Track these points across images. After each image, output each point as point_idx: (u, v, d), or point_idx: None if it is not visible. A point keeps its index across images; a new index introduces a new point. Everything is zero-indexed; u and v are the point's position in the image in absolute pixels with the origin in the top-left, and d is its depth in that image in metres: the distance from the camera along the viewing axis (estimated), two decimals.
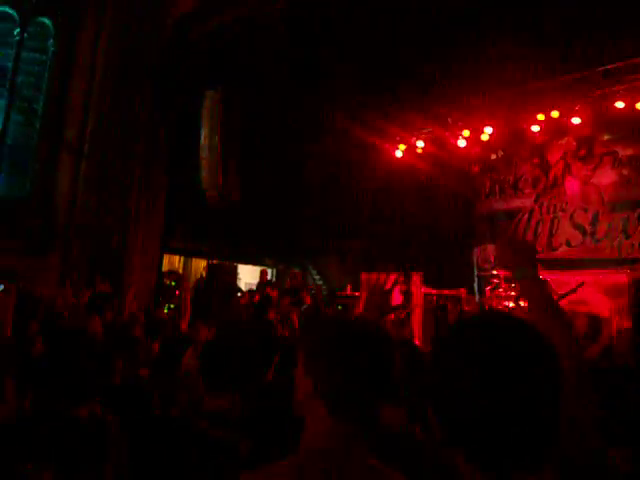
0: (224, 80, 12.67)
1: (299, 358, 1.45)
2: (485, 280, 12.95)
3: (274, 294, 12.78)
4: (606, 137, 11.96)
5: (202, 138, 12.62)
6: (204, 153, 12.52)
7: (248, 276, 14.19)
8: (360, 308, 2.48)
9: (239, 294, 12.75)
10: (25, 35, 14.32)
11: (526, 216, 13.07)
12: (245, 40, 12.17)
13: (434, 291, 12.35)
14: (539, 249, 12.67)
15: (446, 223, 13.07)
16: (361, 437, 1.36)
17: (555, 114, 11.80)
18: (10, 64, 14.06)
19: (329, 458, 1.30)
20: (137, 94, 12.49)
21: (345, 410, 1.36)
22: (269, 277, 13.44)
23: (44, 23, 14.55)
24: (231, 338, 2.64)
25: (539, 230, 12.81)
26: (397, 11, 11.26)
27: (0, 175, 13.87)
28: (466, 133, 12.98)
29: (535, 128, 12.24)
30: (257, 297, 12.46)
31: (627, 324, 9.58)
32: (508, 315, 1.15)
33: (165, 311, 11.68)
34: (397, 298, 11.37)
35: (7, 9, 14.22)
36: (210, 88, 12.69)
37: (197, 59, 12.37)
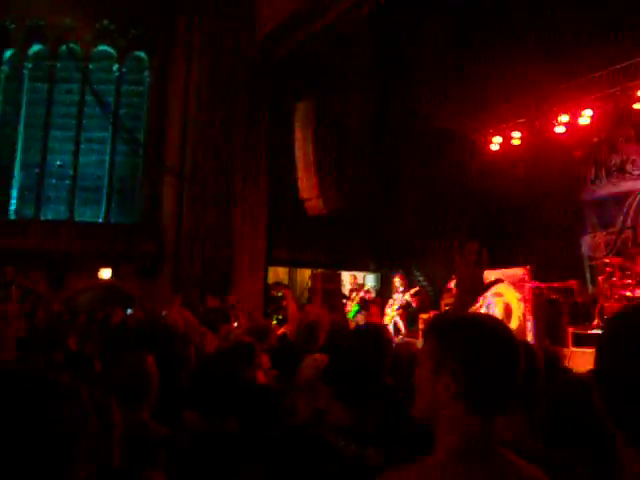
0: (314, 90, 12.88)
1: (423, 362, 1.45)
2: (597, 269, 12.39)
3: (369, 297, 12.81)
4: None
5: (297, 149, 12.86)
6: (300, 164, 12.74)
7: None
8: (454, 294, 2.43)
9: (344, 300, 12.84)
10: (123, 69, 15.17)
11: (636, 199, 12.40)
12: (331, 49, 12.35)
13: (543, 285, 11.94)
14: None
15: (552, 213, 12.60)
16: (497, 435, 1.36)
17: None
18: (112, 98, 14.92)
19: (472, 456, 1.31)
20: (230, 113, 12.90)
21: (488, 409, 1.37)
22: (360, 281, 13.48)
23: (140, 57, 15.37)
24: (353, 345, 2.63)
25: None
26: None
27: (111, 204, 14.71)
28: (564, 118, 12.52)
29: (638, 106, 11.63)
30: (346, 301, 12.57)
31: None
32: None
33: (274, 322, 11.89)
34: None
35: (106, 47, 15.10)
36: (301, 99, 12.92)
37: (286, 73, 12.64)
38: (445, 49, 12.30)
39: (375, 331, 2.71)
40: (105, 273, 13.97)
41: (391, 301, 12.16)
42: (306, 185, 12.69)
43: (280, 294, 12.44)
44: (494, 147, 13.54)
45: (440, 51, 12.31)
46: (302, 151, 12.76)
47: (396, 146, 13.67)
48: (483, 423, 1.34)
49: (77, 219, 14.67)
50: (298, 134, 12.89)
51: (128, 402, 2.59)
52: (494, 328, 1.44)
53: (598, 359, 1.05)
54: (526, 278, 11.73)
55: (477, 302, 10.71)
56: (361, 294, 12.70)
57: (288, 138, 13.24)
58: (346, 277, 13.91)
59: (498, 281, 10.72)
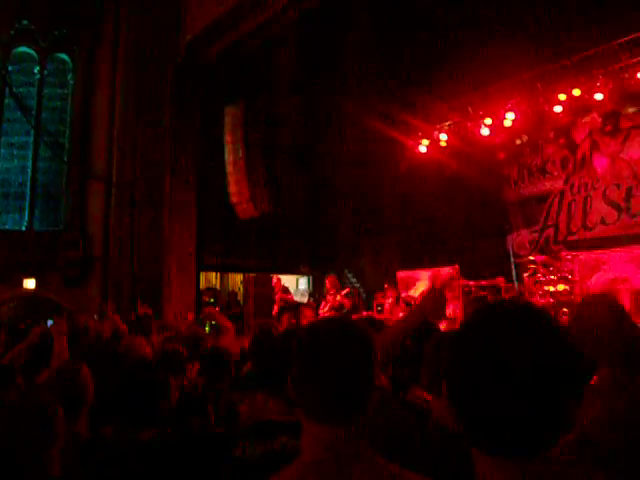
0: (242, 94, 12.84)
1: None
2: (522, 267, 12.81)
3: (290, 297, 12.77)
4: (631, 110, 11.76)
5: (226, 153, 12.78)
6: (230, 167, 12.67)
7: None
8: (422, 309, 2.43)
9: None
10: (45, 72, 14.68)
11: (557, 198, 12.90)
12: (260, 52, 12.35)
13: (472, 282, 12.26)
14: (574, 230, 12.53)
15: (477, 213, 12.98)
16: (360, 438, 1.34)
17: (577, 92, 11.68)
18: (34, 102, 14.42)
19: (326, 467, 1.28)
20: (159, 118, 12.71)
21: (321, 418, 1.34)
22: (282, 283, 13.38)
23: (62, 59, 14.91)
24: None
25: (572, 211, 12.63)
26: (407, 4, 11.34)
27: (34, 210, 14.20)
28: (488, 121, 12.91)
29: (558, 109, 12.12)
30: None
31: None
32: (525, 305, 1.10)
33: (207, 329, 11.73)
34: None
35: (26, 49, 14.59)
36: (230, 103, 12.84)
37: (215, 76, 12.54)
38: (372, 50, 12.46)
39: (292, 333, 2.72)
40: (29, 283, 13.47)
41: (323, 303, 12.20)
42: (236, 189, 12.63)
43: (212, 300, 12.32)
44: (422, 149, 13.83)
45: (366, 53, 12.47)
46: (232, 154, 12.69)
47: (327, 148, 13.77)
48: (330, 432, 1.30)
49: None
50: (228, 137, 12.82)
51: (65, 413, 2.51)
52: (327, 332, 1.42)
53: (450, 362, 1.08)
54: (455, 277, 12.00)
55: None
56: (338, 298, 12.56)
57: (218, 142, 13.15)
58: (291, 281, 13.87)
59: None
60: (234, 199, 12.67)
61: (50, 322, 8.69)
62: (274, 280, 12.66)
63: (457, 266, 11.98)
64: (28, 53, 14.72)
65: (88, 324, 8.40)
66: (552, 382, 0.96)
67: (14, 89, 13.98)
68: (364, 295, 13.53)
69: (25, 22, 14.43)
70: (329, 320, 1.60)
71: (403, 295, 11.10)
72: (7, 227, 14.18)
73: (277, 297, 12.39)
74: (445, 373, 1.07)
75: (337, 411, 1.32)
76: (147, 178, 12.58)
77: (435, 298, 2.34)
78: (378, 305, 12.29)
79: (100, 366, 3.83)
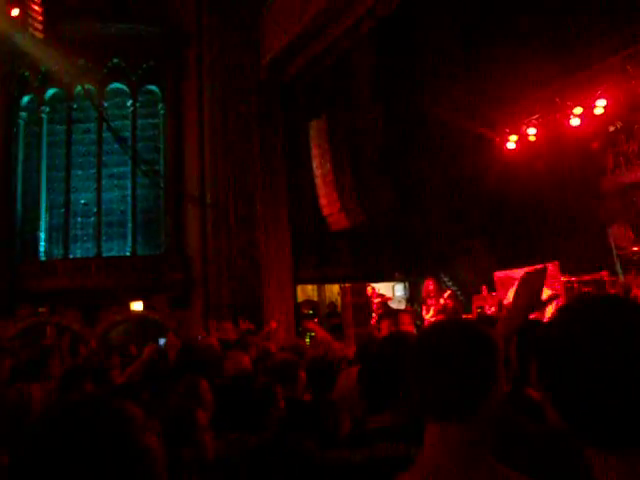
0: (326, 107, 13.03)
1: None
2: (626, 259, 12.30)
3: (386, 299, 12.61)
4: None
5: (314, 166, 13.00)
6: (319, 180, 12.88)
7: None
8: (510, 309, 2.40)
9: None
10: (137, 104, 15.48)
11: None
12: (337, 65, 12.49)
13: (574, 278, 11.87)
14: None
15: (575, 206, 12.56)
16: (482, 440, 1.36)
17: None
18: (129, 133, 15.22)
19: (447, 471, 1.31)
20: (246, 137, 13.10)
21: (432, 414, 1.40)
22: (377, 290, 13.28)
23: (152, 90, 15.68)
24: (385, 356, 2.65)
25: None
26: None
27: (137, 236, 14.96)
28: (578, 110, 12.50)
29: None
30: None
31: None
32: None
33: (307, 340, 11.94)
34: None
35: (118, 85, 15.44)
36: (314, 117, 13.07)
37: (296, 93, 12.81)
38: (450, 51, 12.37)
39: (398, 337, 2.75)
40: (136, 305, 14.19)
41: (425, 308, 12.07)
42: (327, 201, 12.82)
43: (311, 312, 12.52)
44: (511, 145, 13.56)
45: (446, 54, 12.38)
46: (320, 168, 12.90)
47: (412, 153, 13.72)
48: (452, 432, 1.34)
49: (105, 254, 14.93)
50: (315, 151, 13.04)
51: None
52: (448, 331, 1.46)
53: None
54: (556, 274, 11.66)
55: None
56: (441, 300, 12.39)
57: (304, 156, 13.39)
58: (387, 288, 13.85)
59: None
60: (325, 211, 12.86)
61: (162, 341, 9.13)
62: (369, 290, 12.70)
63: (557, 262, 11.64)
64: (120, 88, 15.57)
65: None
66: None
67: (111, 123, 14.79)
68: (462, 298, 13.35)
69: (116, 60, 15.27)
70: (448, 321, 1.64)
71: (505, 303, 10.85)
72: (113, 253, 15.02)
73: (374, 305, 12.42)
74: (549, 368, 1.06)
75: (459, 408, 1.36)
76: (239, 197, 12.98)
77: (528, 293, 2.29)
78: (478, 307, 12.11)
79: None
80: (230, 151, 13.29)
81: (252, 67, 13.35)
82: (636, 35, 11.14)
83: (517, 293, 2.26)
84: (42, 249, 15.00)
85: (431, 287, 11.98)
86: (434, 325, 1.70)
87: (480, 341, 1.43)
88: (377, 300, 12.22)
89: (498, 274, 12.49)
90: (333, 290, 14.21)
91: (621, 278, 12.44)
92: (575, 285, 11.95)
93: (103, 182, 15.24)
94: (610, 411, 0.95)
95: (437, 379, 1.39)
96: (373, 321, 12.22)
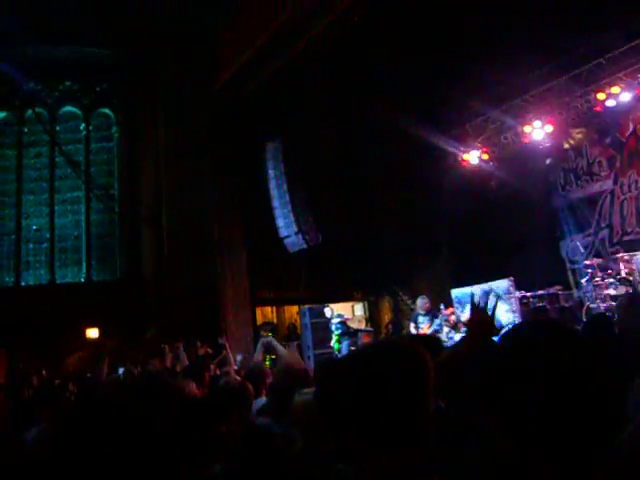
0: (280, 128, 13.05)
1: None
2: (579, 272, 12.57)
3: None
4: None
5: (270, 188, 12.98)
6: (275, 202, 12.85)
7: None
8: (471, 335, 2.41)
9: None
10: (90, 128, 15.26)
11: (608, 199, 12.67)
12: (293, 86, 12.53)
13: (529, 293, 12.07)
14: (629, 229, 12.24)
15: (528, 223, 12.82)
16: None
17: (616, 90, 11.52)
18: (82, 157, 14.98)
19: None
20: (202, 160, 13.03)
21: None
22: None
23: (106, 113, 15.48)
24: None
25: (625, 210, 12.37)
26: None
27: (91, 262, 14.67)
28: (528, 129, 12.83)
29: (599, 108, 11.96)
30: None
31: None
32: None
33: (267, 363, 11.85)
34: None
35: (71, 108, 15.22)
36: (270, 139, 13.07)
37: (252, 114, 12.80)
38: (407, 65, 12.46)
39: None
40: (92, 332, 13.86)
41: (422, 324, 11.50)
42: (284, 223, 12.79)
43: (270, 334, 12.42)
44: (466, 163, 13.78)
45: (403, 67, 12.47)
46: (276, 189, 12.89)
47: (369, 171, 13.82)
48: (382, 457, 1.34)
49: (59, 281, 14.59)
50: (270, 173, 13.03)
51: None
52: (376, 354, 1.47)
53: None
54: (511, 289, 11.84)
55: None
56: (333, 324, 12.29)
57: (261, 178, 13.35)
58: (347, 309, 13.83)
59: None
60: (282, 233, 12.83)
61: (121, 370, 8.93)
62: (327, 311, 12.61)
63: (512, 277, 11.83)
64: (73, 112, 15.34)
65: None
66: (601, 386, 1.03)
67: (63, 147, 14.54)
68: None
69: (68, 83, 15.07)
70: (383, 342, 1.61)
71: (463, 319, 10.90)
72: (67, 280, 14.68)
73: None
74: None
75: (392, 432, 1.35)
76: (196, 220, 12.86)
77: (480, 321, 2.32)
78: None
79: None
80: (186, 174, 13.19)
81: (207, 89, 13.33)
82: (580, 57, 11.53)
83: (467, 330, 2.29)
84: None
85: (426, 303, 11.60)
86: (360, 349, 1.68)
87: (407, 362, 1.41)
88: (336, 320, 12.19)
89: (455, 291, 12.62)
90: (292, 311, 14.17)
91: (574, 292, 12.69)
92: (530, 300, 12.14)
93: (56, 207, 14.92)
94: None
95: (366, 405, 1.36)
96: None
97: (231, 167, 13.24)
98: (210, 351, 10.93)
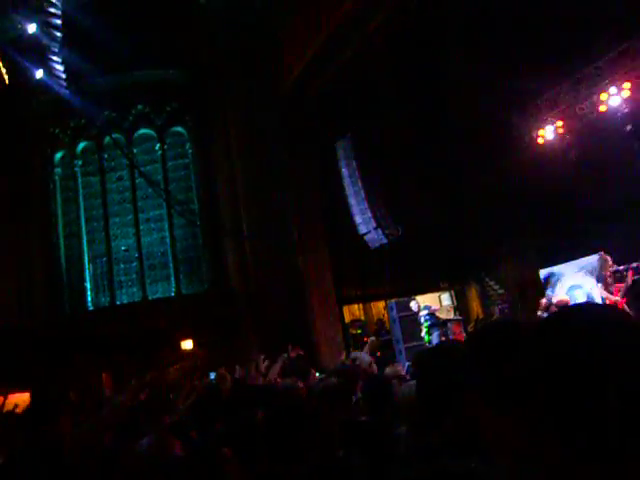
0: (351, 125, 13.01)
1: None
2: None
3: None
4: None
5: (345, 186, 12.97)
6: (352, 200, 12.83)
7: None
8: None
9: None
10: (165, 147, 15.75)
11: None
12: (358, 81, 12.48)
13: (622, 267, 11.55)
14: None
15: (614, 193, 12.24)
16: None
17: None
18: (160, 177, 15.47)
19: None
20: (275, 164, 13.20)
21: None
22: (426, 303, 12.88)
23: (179, 132, 15.94)
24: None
25: None
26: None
27: (179, 276, 15.12)
28: (604, 97, 12.28)
29: None
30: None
31: None
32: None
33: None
34: None
35: (145, 130, 15.75)
36: (339, 137, 13.06)
37: (321, 113, 12.84)
38: (478, 48, 12.18)
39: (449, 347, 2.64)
40: (187, 344, 14.27)
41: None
42: (362, 220, 12.75)
43: (359, 331, 12.43)
44: (541, 140, 13.34)
45: (473, 51, 12.20)
46: (351, 187, 12.88)
47: (443, 158, 13.55)
48: None
49: (151, 297, 15.12)
50: (344, 171, 13.02)
51: None
52: None
53: None
54: (603, 264, 11.39)
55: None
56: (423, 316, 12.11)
57: (336, 176, 13.34)
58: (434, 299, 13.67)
59: None
60: (362, 230, 12.79)
61: (212, 375, 9.15)
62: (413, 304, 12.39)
63: (603, 251, 11.36)
64: (147, 133, 15.87)
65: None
66: None
67: (142, 169, 15.07)
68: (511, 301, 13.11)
69: (140, 106, 15.59)
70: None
71: (554, 300, 10.54)
72: (159, 295, 15.20)
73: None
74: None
75: None
76: (275, 225, 13.04)
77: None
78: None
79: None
80: (261, 179, 13.40)
81: (274, 92, 13.48)
82: None
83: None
84: (89, 298, 15.27)
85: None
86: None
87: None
88: (424, 312, 12.03)
89: (543, 272, 12.25)
90: (379, 307, 14.11)
91: None
92: (623, 273, 11.62)
93: (141, 227, 15.50)
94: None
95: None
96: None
97: (305, 168, 13.34)
98: (301, 353, 11.05)
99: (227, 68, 14.39)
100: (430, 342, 11.52)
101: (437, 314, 12.20)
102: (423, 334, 11.88)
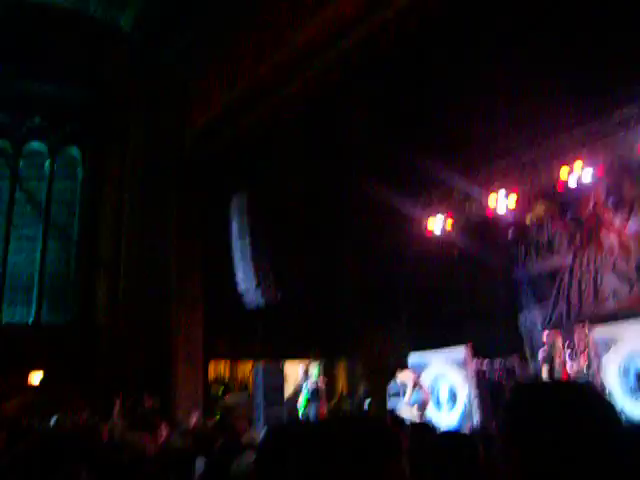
0: (248, 181, 12.96)
1: None
2: (536, 344, 12.54)
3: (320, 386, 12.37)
4: (633, 183, 11.77)
5: (233, 241, 12.80)
6: (237, 255, 12.65)
7: (294, 373, 13.89)
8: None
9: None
10: (55, 166, 14.97)
11: (567, 274, 12.75)
12: (261, 142, 12.51)
13: (486, 362, 11.98)
14: (586, 305, 12.30)
15: (488, 291, 12.84)
16: None
17: (578, 165, 11.71)
18: (44, 195, 14.63)
19: None
20: (165, 208, 12.81)
21: None
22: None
23: (72, 154, 15.24)
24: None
25: (583, 287, 12.46)
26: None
27: (42, 303, 14.15)
28: (492, 203, 12.94)
29: (562, 185, 12.15)
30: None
31: None
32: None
33: (217, 417, 11.46)
34: None
35: (37, 144, 14.94)
36: (235, 191, 12.95)
37: (221, 166, 12.71)
38: (379, 129, 12.54)
39: None
40: (36, 377, 13.25)
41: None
42: (244, 276, 12.56)
43: (220, 392, 12.02)
44: (430, 230, 13.80)
45: (374, 131, 12.55)
46: (239, 242, 12.71)
47: (334, 231, 13.75)
48: None
49: (6, 320, 13.98)
50: (234, 225, 12.87)
51: None
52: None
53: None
54: (468, 358, 11.74)
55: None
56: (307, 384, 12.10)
57: (226, 230, 13.16)
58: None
59: None
60: (242, 286, 12.58)
61: (54, 419, 8.47)
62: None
63: (470, 345, 11.74)
64: (39, 148, 15.06)
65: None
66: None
67: (25, 184, 14.21)
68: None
69: (37, 119, 14.82)
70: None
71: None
72: (15, 320, 14.10)
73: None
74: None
75: None
76: (154, 269, 12.56)
77: None
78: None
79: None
80: (148, 222, 12.95)
81: (177, 138, 13.22)
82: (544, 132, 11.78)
83: None
84: None
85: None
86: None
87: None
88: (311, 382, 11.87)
89: (413, 357, 12.45)
90: (246, 369, 13.77)
91: (531, 363, 12.63)
92: (487, 369, 12.03)
93: (12, 243, 14.43)
94: None
95: None
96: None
97: (196, 219, 13.03)
98: (156, 406, 10.53)
99: (134, 100, 14.05)
100: (306, 414, 11.31)
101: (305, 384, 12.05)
102: (300, 402, 11.64)
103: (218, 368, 13.63)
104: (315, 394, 11.72)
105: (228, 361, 13.88)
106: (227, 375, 13.79)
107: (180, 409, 11.62)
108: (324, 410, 11.71)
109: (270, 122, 11.88)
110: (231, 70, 11.75)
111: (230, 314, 12.78)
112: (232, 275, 12.74)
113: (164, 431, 6.95)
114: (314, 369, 13.19)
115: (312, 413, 11.33)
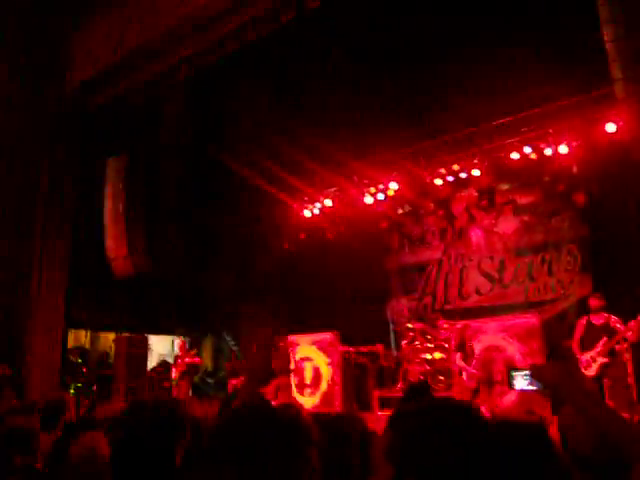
0: (127, 146, 12.39)
1: None
2: (401, 334, 12.96)
3: (198, 361, 12.31)
4: (505, 187, 12.45)
5: (106, 206, 12.22)
6: (108, 221, 12.09)
7: (160, 347, 13.58)
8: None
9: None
10: None
11: (435, 268, 13.31)
12: (147, 106, 12.01)
13: (352, 348, 12.22)
14: (450, 299, 12.86)
15: (359, 280, 13.12)
16: None
17: (456, 167, 12.27)
18: None
19: None
20: (35, 162, 11.91)
21: None
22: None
23: None
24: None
25: (449, 281, 13.05)
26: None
27: None
28: (372, 190, 13.23)
29: (438, 181, 12.63)
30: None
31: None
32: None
33: (72, 392, 10.96)
34: None
35: None
36: (113, 155, 12.35)
37: (98, 126, 12.04)
38: (262, 110, 12.41)
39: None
40: None
41: (174, 369, 11.79)
42: (114, 244, 12.03)
43: (80, 360, 11.49)
44: (308, 213, 13.90)
45: (259, 112, 12.40)
46: (112, 208, 12.15)
47: (212, 207, 13.48)
48: None
49: None
50: (108, 190, 12.30)
51: None
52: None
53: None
54: (335, 343, 11.92)
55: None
56: (186, 360, 11.97)
57: (99, 194, 12.52)
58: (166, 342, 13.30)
59: None
60: (110, 254, 12.04)
61: None
62: (179, 343, 12.25)
63: (337, 332, 11.93)
64: None
65: None
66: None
67: None
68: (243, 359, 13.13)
69: None
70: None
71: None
72: None
73: (180, 360, 11.83)
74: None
75: None
76: (16, 226, 11.67)
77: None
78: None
79: None
80: (13, 172, 11.95)
81: (54, 90, 12.32)
82: (429, 131, 12.17)
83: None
84: None
85: (179, 347, 11.86)
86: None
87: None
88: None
89: (279, 339, 12.51)
90: (109, 340, 13.26)
91: (394, 352, 13.03)
92: (352, 356, 12.28)
93: None
94: None
95: None
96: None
97: (68, 176, 12.24)
98: (7, 372, 9.90)
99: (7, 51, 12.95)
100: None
101: (166, 359, 11.89)
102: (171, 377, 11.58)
103: (79, 336, 13.02)
104: (186, 370, 11.62)
105: (89, 331, 13.30)
106: (88, 344, 13.22)
107: (34, 377, 10.98)
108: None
109: (156, 88, 11.43)
110: (118, 29, 11.16)
111: (96, 282, 12.22)
112: (102, 242, 12.14)
113: (9, 397, 6.57)
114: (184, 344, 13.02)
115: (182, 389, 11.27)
